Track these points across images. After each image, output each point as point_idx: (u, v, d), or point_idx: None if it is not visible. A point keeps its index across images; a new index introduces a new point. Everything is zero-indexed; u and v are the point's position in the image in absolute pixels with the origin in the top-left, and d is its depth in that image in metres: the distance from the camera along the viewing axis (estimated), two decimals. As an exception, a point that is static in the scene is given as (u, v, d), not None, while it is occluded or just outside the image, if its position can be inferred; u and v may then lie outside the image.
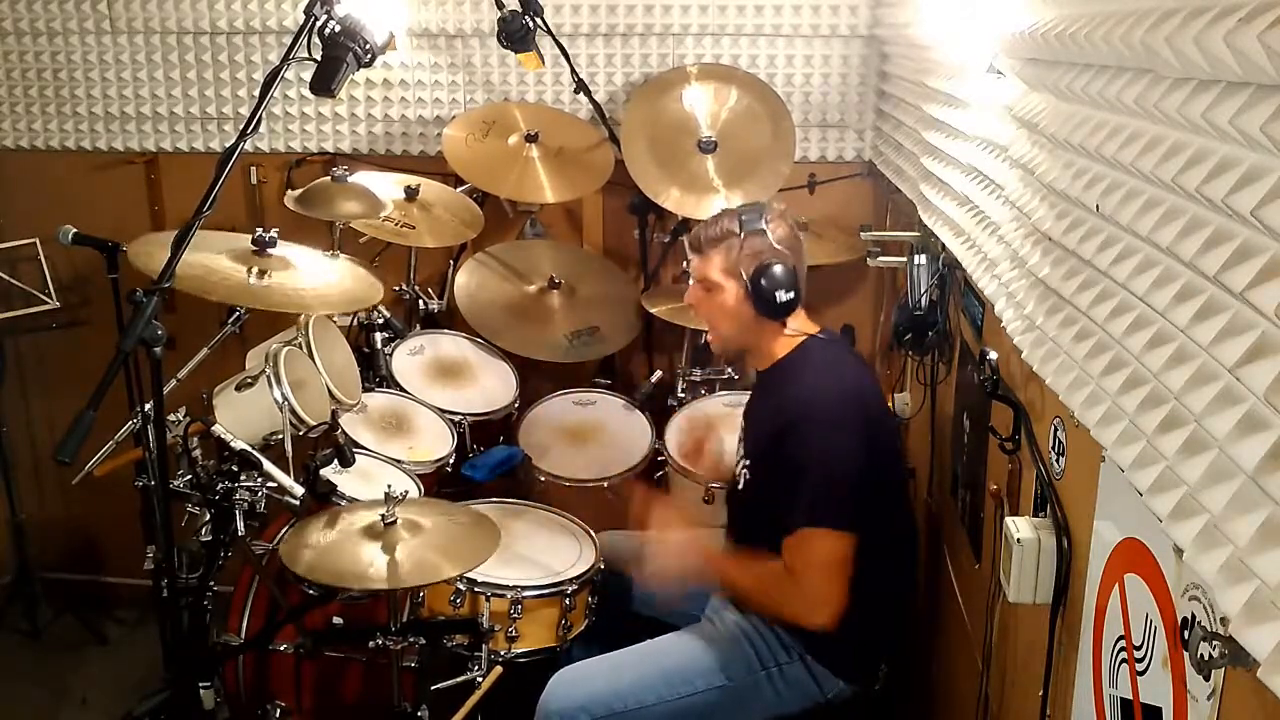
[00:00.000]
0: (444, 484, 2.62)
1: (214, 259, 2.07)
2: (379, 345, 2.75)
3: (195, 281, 1.95)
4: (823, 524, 1.92)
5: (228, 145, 2.41)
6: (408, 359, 2.81)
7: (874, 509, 1.98)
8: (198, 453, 2.07)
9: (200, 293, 1.94)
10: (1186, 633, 1.03)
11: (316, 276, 2.22)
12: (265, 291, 2.08)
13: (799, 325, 2.08)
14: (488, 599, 2.14)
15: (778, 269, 1.98)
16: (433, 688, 2.10)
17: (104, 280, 2.86)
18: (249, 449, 2.02)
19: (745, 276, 2.00)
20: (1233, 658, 0.85)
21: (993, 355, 1.69)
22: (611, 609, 2.30)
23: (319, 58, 1.99)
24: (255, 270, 2.09)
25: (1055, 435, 1.50)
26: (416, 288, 2.97)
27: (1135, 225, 1.07)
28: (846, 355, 2.12)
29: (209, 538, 2.09)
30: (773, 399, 2.05)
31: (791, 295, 1.99)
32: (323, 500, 2.18)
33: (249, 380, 2.15)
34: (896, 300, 2.69)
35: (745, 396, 2.74)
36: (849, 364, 2.10)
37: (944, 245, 2.08)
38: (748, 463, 2.12)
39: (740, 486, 2.15)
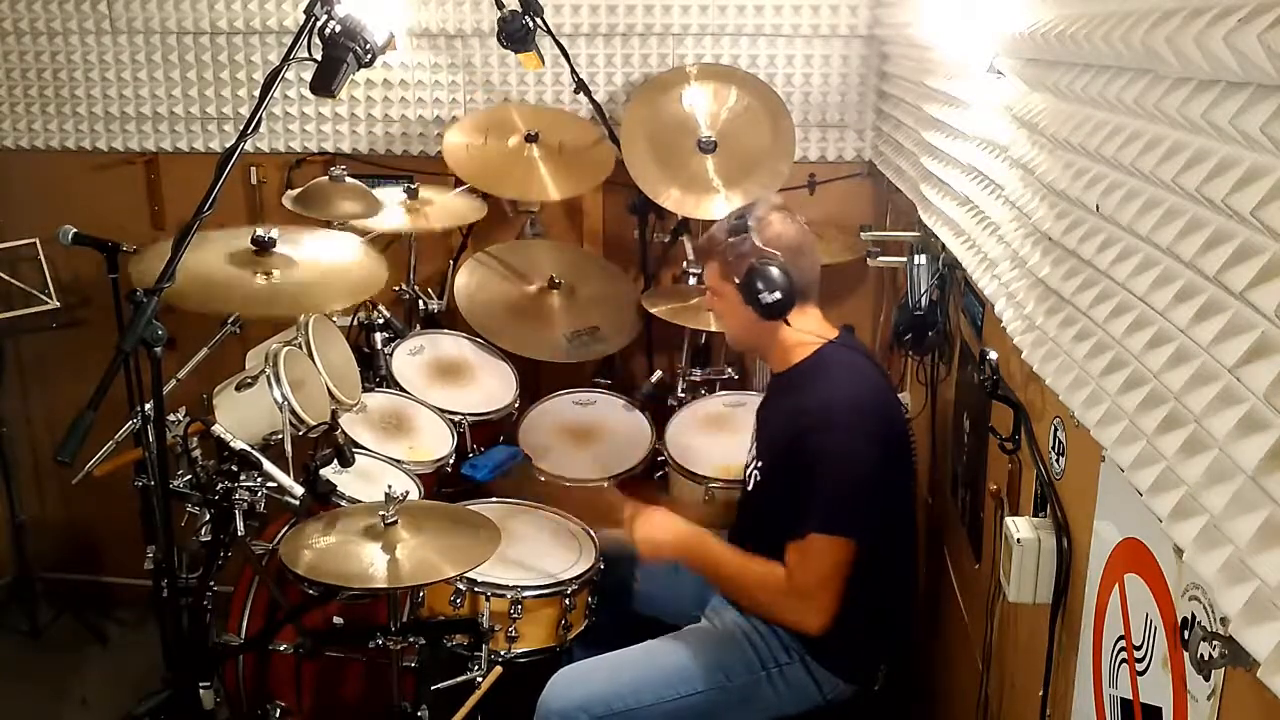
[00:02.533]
0: (444, 484, 2.62)
1: (215, 267, 2.07)
2: (379, 345, 2.75)
3: (200, 296, 1.94)
4: (833, 531, 1.91)
5: (228, 145, 2.41)
6: (408, 359, 2.81)
7: (885, 515, 1.98)
8: (198, 453, 2.07)
9: (201, 307, 1.94)
10: (1186, 633, 1.03)
11: (320, 269, 2.22)
12: (274, 295, 2.07)
13: (814, 327, 2.06)
14: (488, 599, 2.14)
15: (767, 270, 1.97)
16: (433, 688, 2.10)
17: (104, 280, 2.86)
18: (249, 449, 2.02)
19: (737, 280, 2.01)
20: (1233, 658, 0.85)
21: (993, 355, 1.69)
22: (611, 609, 2.30)
23: (319, 58, 1.99)
24: (260, 273, 2.09)
25: (1055, 435, 1.50)
26: (416, 288, 2.97)
27: (1135, 225, 1.07)
28: (865, 361, 2.10)
29: (209, 538, 2.09)
30: (789, 403, 2.04)
31: (779, 295, 1.98)
32: (323, 500, 2.18)
33: (249, 380, 2.14)
34: (896, 300, 2.69)
35: (745, 396, 2.75)
36: (868, 370, 2.08)
37: (944, 245, 2.08)
38: (760, 464, 2.11)
39: (750, 488, 2.15)
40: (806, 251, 2.05)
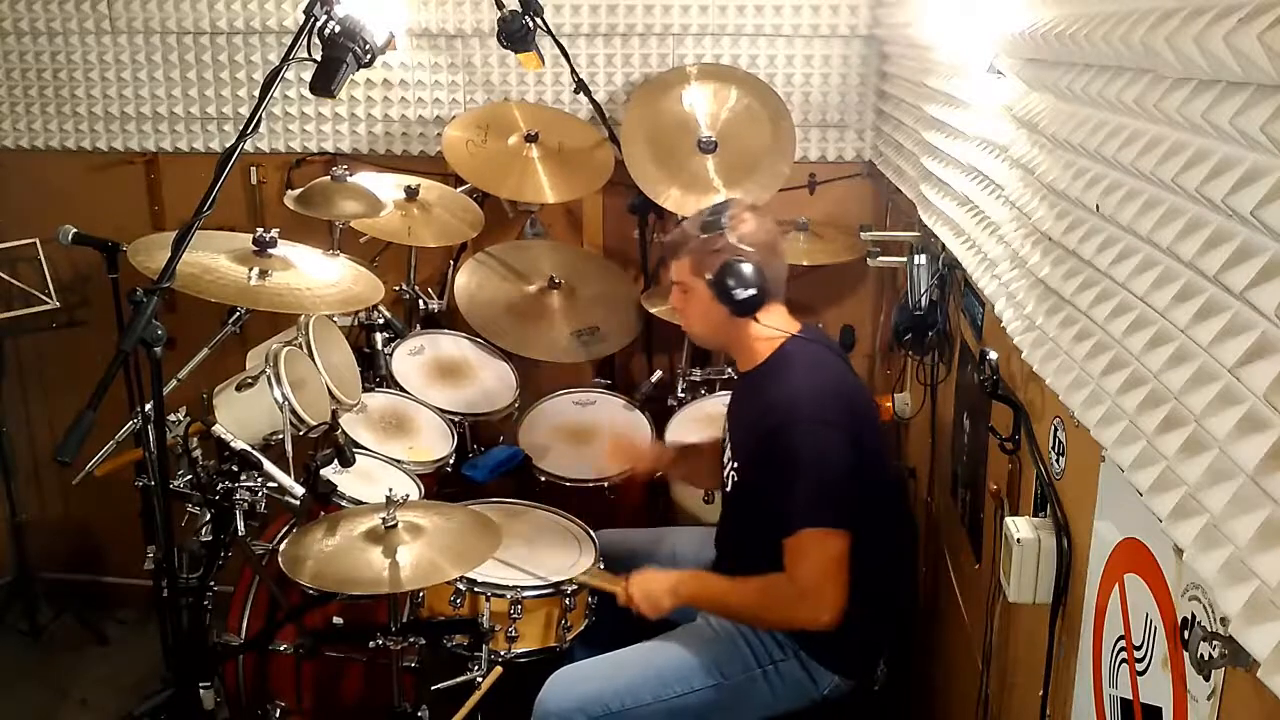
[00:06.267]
0: (444, 484, 2.62)
1: (213, 259, 2.07)
2: (379, 345, 2.75)
3: (192, 281, 1.94)
4: (821, 524, 1.92)
5: (228, 145, 2.41)
6: (408, 359, 2.81)
7: (867, 505, 1.98)
8: (198, 453, 2.07)
9: (196, 293, 1.94)
10: (1186, 633, 1.03)
11: (317, 276, 2.22)
12: (264, 291, 2.07)
13: (779, 323, 2.07)
14: (488, 599, 2.14)
15: (739, 267, 1.98)
16: (433, 688, 2.10)
17: (104, 280, 2.86)
18: (249, 449, 2.02)
19: (709, 277, 2.01)
20: (1233, 658, 0.85)
21: (993, 355, 1.69)
22: (611, 609, 2.30)
23: (319, 58, 1.99)
24: (256, 270, 2.09)
25: (1055, 435, 1.50)
26: (416, 288, 2.97)
27: (1135, 225, 1.07)
28: (828, 353, 2.12)
29: (209, 538, 2.09)
30: (757, 402, 2.05)
31: (753, 292, 1.99)
32: (323, 500, 2.18)
33: (249, 380, 2.15)
34: (896, 300, 2.69)
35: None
36: (830, 362, 2.10)
37: (944, 245, 2.08)
38: (735, 465, 2.12)
39: (729, 489, 2.16)
40: (777, 250, 2.08)
